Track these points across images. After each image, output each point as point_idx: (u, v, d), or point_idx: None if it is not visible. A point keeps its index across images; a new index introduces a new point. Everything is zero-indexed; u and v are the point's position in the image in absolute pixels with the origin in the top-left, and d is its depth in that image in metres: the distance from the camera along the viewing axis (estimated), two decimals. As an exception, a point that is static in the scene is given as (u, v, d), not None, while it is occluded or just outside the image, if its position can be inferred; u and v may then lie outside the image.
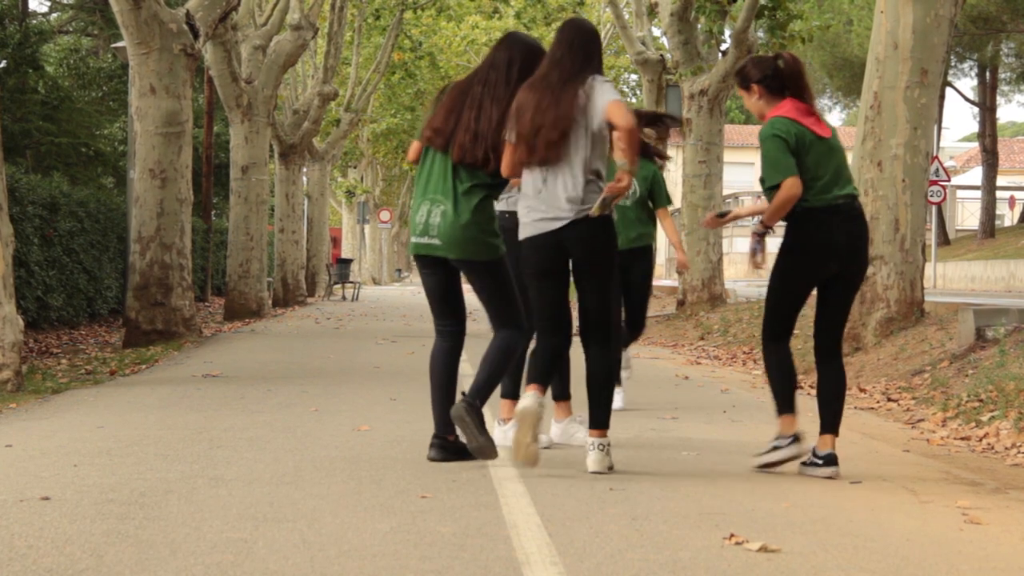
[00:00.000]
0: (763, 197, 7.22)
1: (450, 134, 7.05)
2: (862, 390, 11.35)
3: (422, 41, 43.66)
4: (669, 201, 9.86)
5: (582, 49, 6.87)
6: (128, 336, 17.00)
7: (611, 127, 6.71)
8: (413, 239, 7.19)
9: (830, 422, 7.02)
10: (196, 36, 17.64)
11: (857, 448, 8.09)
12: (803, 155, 6.92)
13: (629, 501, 5.99)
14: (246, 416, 9.12)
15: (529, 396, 6.72)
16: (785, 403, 7.05)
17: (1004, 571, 4.83)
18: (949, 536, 5.42)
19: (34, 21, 35.34)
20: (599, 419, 6.86)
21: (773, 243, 7.42)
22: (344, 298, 39.21)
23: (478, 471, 6.75)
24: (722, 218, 7.50)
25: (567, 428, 7.96)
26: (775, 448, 7.04)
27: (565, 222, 6.79)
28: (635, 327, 9.83)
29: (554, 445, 7.86)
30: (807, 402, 10.78)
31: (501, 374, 7.09)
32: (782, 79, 7.08)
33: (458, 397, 7.03)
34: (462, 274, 7.28)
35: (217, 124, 35.19)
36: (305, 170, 38.30)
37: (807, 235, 6.97)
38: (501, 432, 7.59)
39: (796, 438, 7.01)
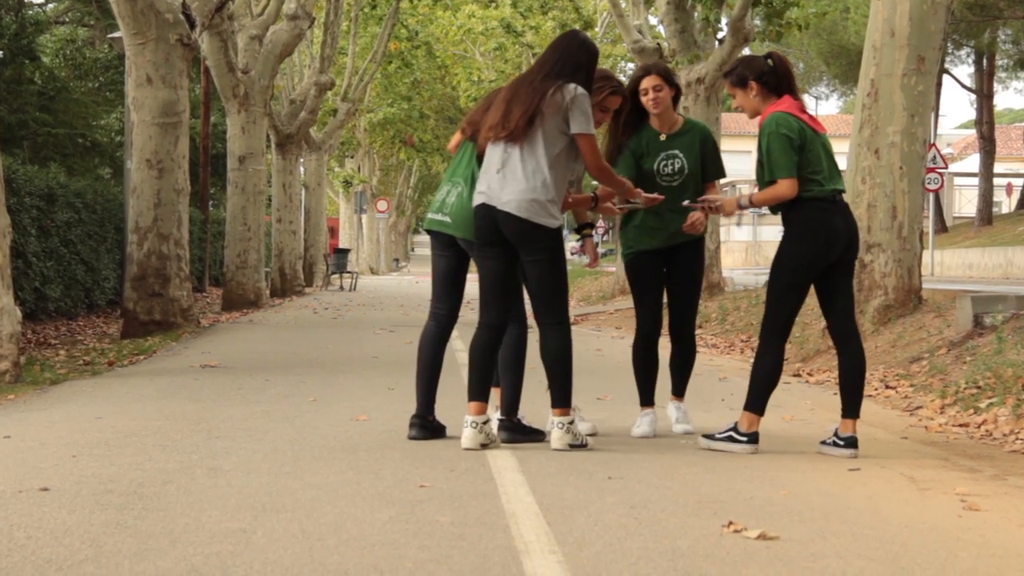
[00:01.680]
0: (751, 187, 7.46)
1: (477, 128, 7.47)
2: (860, 378, 11.35)
3: (418, 30, 43.65)
4: (722, 174, 8.06)
5: (571, 57, 7.22)
6: (126, 327, 17.00)
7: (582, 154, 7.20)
8: (429, 215, 7.62)
9: (851, 406, 7.28)
10: (192, 26, 17.61)
11: (855, 436, 8.10)
12: (806, 150, 7.17)
13: (627, 489, 6.00)
14: (244, 406, 9.12)
15: (469, 430, 7.14)
16: (761, 404, 7.31)
17: (1002, 557, 4.84)
18: (947, 523, 5.43)
19: (30, 11, 35.28)
20: (559, 399, 7.20)
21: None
22: (342, 288, 39.20)
23: (476, 461, 6.76)
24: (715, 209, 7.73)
25: None
26: (731, 439, 7.32)
27: (503, 209, 7.13)
28: (683, 342, 8.09)
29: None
30: (806, 391, 10.78)
31: (523, 372, 7.53)
32: (777, 77, 7.33)
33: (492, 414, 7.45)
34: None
35: (214, 114, 35.18)
36: (302, 160, 38.28)
37: (814, 222, 7.19)
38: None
39: (756, 438, 7.31)
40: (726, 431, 7.35)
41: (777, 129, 7.14)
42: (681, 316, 8.06)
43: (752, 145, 72.33)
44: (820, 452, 7.29)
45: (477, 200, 7.22)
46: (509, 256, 7.24)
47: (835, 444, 7.26)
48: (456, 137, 7.73)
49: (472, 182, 7.43)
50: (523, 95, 7.16)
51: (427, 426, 7.55)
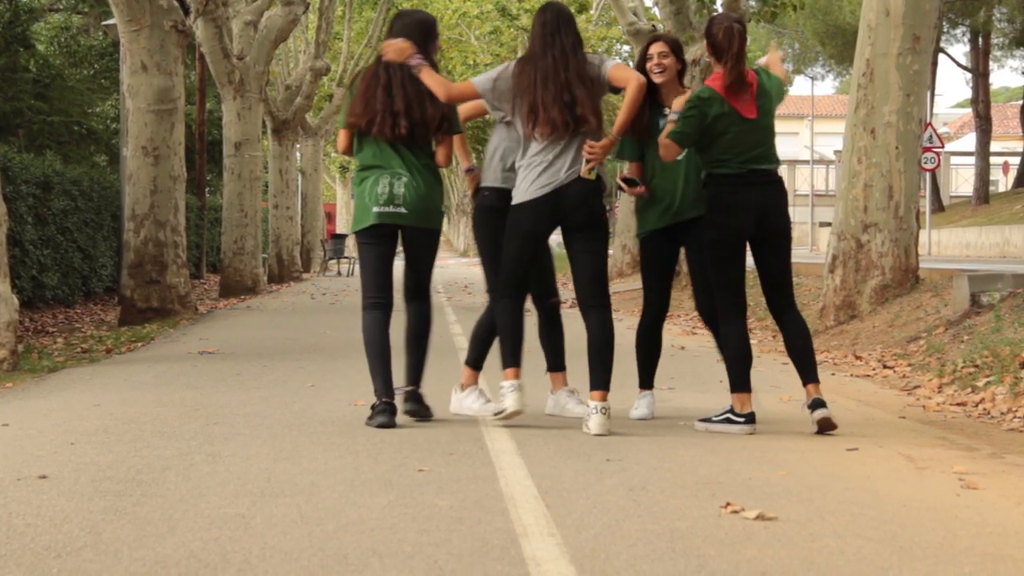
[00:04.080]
0: None
1: (372, 117, 7.48)
2: (858, 357, 11.36)
3: (413, 15, 43.49)
4: None
5: (570, 28, 7.35)
6: (123, 314, 17.00)
7: (616, 89, 7.28)
8: (375, 209, 7.49)
9: (807, 373, 7.38)
10: (187, 12, 17.59)
11: (853, 415, 8.11)
12: (720, 132, 7.27)
13: (626, 472, 6.00)
14: (243, 392, 9.12)
15: (512, 393, 7.23)
16: (744, 382, 7.34)
17: (1000, 535, 4.84)
18: (945, 502, 5.43)
19: (24, -1, 35.18)
20: (600, 382, 7.17)
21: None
22: (339, 273, 39.19)
23: (475, 444, 6.76)
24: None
25: (560, 400, 7.95)
26: (729, 420, 7.33)
27: (567, 181, 7.22)
28: (712, 318, 7.76)
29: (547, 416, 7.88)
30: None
31: (427, 349, 7.68)
32: (716, 48, 7.37)
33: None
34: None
35: (210, 101, 35.09)
36: (298, 146, 38.24)
37: (718, 197, 7.35)
38: (456, 400, 7.84)
39: (753, 418, 7.32)
40: (723, 413, 7.36)
41: (699, 106, 7.26)
42: (708, 294, 7.78)
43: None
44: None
45: (543, 191, 7.22)
46: (545, 244, 7.51)
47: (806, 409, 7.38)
48: (343, 135, 7.69)
49: (415, 170, 7.48)
50: (564, 82, 7.21)
51: (389, 410, 7.44)
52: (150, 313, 16.81)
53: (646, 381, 8.00)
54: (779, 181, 7.48)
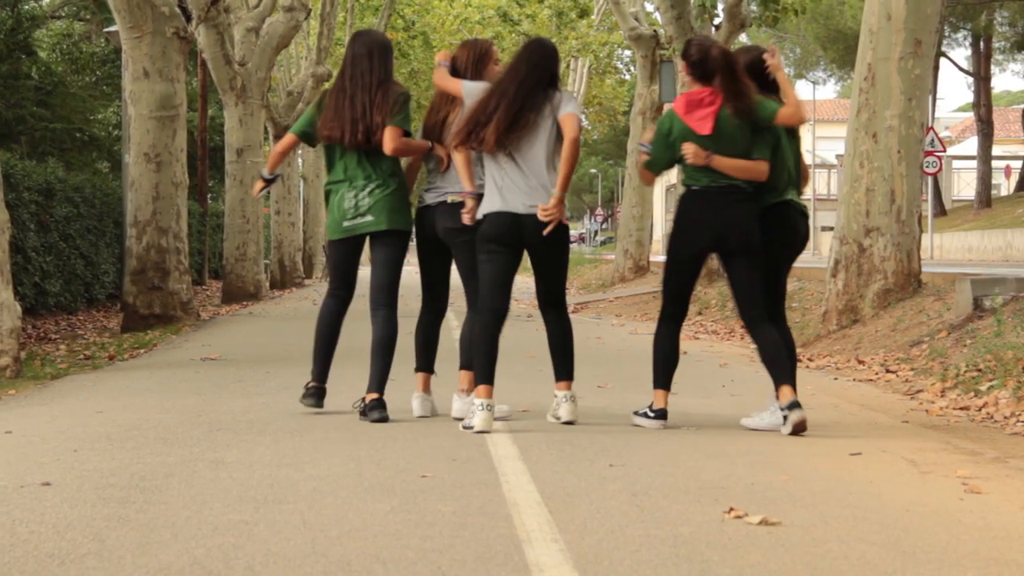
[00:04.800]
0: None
1: (343, 127, 7.90)
2: (860, 362, 11.36)
3: (415, 20, 43.60)
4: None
5: (542, 66, 7.53)
6: (126, 321, 17.00)
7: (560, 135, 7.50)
8: (345, 223, 7.97)
9: (781, 376, 7.41)
10: (188, 19, 17.64)
11: (856, 420, 8.11)
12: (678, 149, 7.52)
13: (629, 477, 6.00)
14: (245, 399, 9.13)
15: (481, 412, 7.35)
16: (666, 381, 7.64)
17: (1004, 539, 4.84)
18: (949, 506, 5.43)
19: (26, 6, 35.21)
20: (564, 373, 7.65)
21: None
22: (342, 279, 39.14)
23: (478, 450, 6.76)
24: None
25: (423, 401, 8.23)
26: (645, 416, 7.63)
27: (526, 213, 7.46)
28: (751, 324, 7.67)
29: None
30: (806, 376, 10.78)
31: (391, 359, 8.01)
32: (703, 69, 7.50)
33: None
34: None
35: (211, 107, 35.13)
36: (300, 152, 38.23)
37: (679, 213, 7.61)
38: (461, 403, 7.95)
39: (663, 415, 7.59)
40: (644, 409, 7.68)
41: (658, 125, 7.61)
42: (747, 302, 7.68)
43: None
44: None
45: (498, 207, 7.45)
46: (518, 257, 7.63)
47: (783, 416, 7.41)
48: (291, 140, 8.27)
49: (379, 175, 7.87)
50: (509, 110, 7.41)
51: (318, 393, 8.19)
52: (152, 319, 16.82)
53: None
54: (746, 199, 7.50)
